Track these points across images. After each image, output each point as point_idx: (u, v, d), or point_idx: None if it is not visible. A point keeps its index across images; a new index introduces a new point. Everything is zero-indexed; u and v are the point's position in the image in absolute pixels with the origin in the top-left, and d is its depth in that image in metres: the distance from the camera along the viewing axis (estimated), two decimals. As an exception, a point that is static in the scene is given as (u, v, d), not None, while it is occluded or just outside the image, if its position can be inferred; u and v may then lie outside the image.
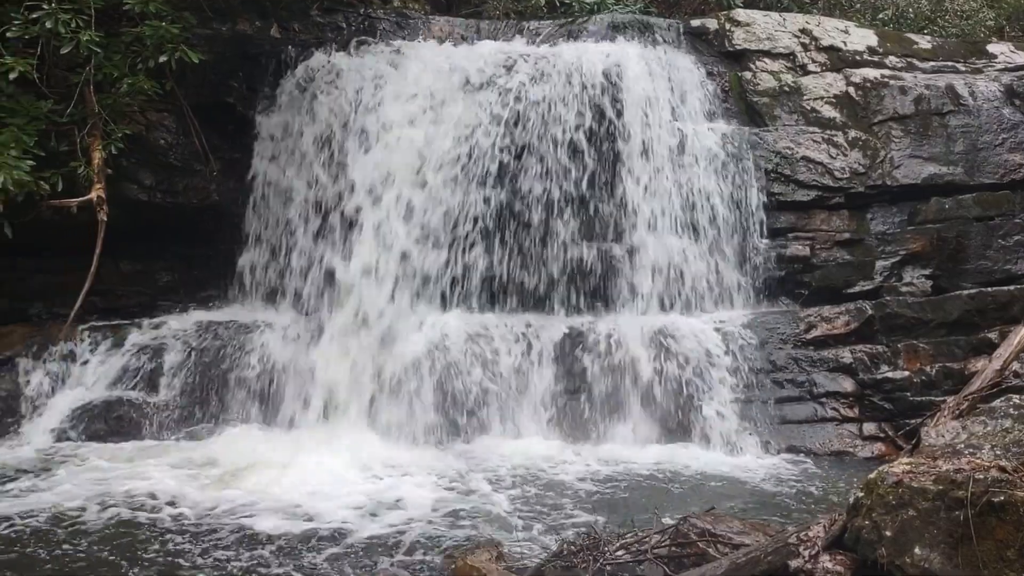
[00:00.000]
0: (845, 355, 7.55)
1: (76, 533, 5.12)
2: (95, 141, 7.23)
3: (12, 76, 6.75)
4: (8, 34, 6.74)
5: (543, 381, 7.39)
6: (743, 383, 7.38)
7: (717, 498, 5.80)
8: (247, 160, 8.41)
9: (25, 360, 7.44)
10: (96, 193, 7.09)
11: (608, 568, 4.32)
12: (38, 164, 6.77)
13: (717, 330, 7.60)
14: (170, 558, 4.82)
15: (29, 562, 4.74)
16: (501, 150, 7.94)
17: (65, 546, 4.94)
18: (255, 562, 4.78)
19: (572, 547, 4.55)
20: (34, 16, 6.75)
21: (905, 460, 3.76)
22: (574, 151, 8.03)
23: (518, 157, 7.97)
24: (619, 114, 8.18)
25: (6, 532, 5.12)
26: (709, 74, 9.04)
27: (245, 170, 8.39)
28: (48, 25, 6.74)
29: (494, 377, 7.34)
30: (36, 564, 4.72)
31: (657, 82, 8.50)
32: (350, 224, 7.88)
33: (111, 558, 4.80)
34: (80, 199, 7.08)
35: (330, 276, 7.87)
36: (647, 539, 4.53)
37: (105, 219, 7.13)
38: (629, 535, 4.64)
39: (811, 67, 9.21)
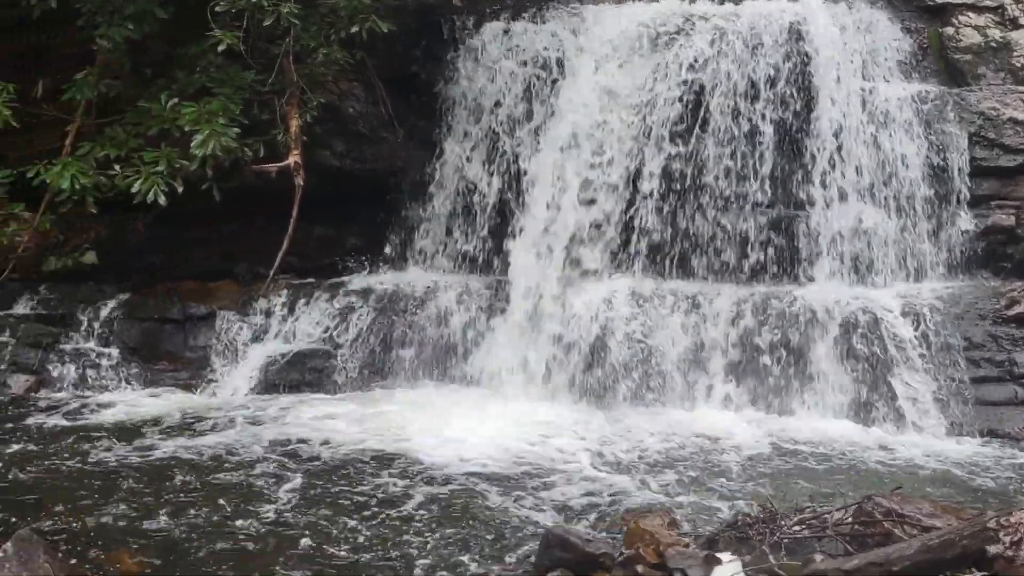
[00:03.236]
0: (1051, 334, 6.99)
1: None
2: (292, 109, 7.66)
3: (220, 48, 7.25)
4: (217, 8, 7.22)
5: (717, 350, 7.25)
6: (935, 361, 6.96)
7: (903, 478, 5.57)
8: (430, 128, 8.72)
9: (230, 314, 8.08)
10: (293, 159, 7.53)
11: (785, 542, 4.24)
12: (242, 131, 7.26)
13: (908, 304, 7.19)
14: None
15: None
16: (681, 112, 7.78)
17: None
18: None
19: (747, 519, 4.50)
20: (240, -9, 7.20)
21: (1125, 449, 3.47)
22: (757, 113, 7.77)
23: (699, 119, 7.79)
24: (805, 74, 7.82)
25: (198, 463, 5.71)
26: (905, 30, 8.52)
27: (428, 137, 8.71)
28: (252, -1, 7.18)
29: (667, 344, 7.26)
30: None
31: (848, 39, 8.08)
32: (527, 188, 8.01)
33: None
34: (279, 164, 7.54)
35: (507, 239, 8.05)
36: (827, 516, 4.41)
37: (301, 183, 7.57)
38: (807, 511, 4.54)
39: (1023, 20, 8.47)
